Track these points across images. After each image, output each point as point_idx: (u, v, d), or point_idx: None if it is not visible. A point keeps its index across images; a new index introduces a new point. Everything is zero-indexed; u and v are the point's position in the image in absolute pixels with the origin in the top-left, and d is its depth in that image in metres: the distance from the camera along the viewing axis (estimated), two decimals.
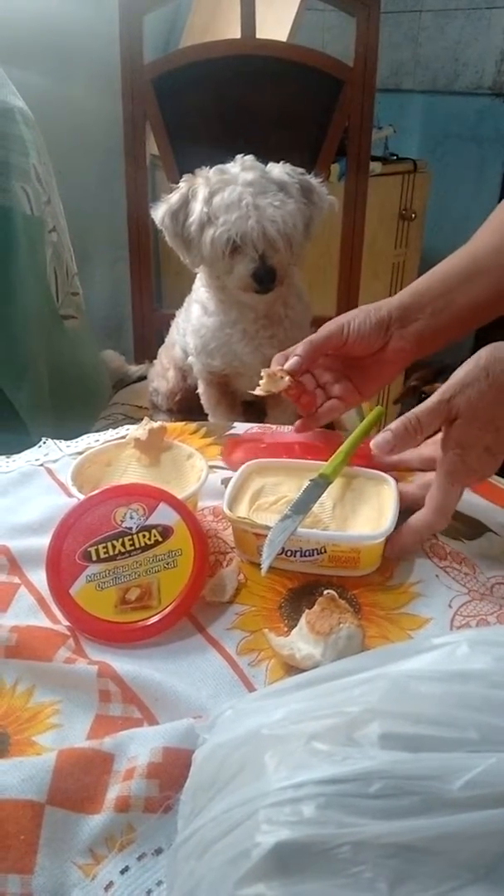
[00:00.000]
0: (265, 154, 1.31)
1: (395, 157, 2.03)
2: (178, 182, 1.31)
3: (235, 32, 1.26)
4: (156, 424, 0.71)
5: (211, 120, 1.30)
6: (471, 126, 2.29)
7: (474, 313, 0.78)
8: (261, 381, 0.75)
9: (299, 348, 0.76)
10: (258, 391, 0.76)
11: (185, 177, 1.00)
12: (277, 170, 0.99)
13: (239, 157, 0.98)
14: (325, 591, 0.55)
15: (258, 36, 1.25)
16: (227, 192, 0.95)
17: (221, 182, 0.96)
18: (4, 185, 1.06)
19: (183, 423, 0.88)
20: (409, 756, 0.32)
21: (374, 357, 0.78)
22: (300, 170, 1.01)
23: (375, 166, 1.86)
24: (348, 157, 1.33)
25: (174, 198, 0.99)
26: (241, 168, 0.97)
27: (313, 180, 1.01)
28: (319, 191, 1.01)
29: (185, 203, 0.98)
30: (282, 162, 1.00)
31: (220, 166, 0.98)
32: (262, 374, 0.76)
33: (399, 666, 0.38)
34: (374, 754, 0.32)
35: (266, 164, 1.00)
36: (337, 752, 0.33)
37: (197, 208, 0.96)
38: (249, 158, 0.98)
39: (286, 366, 0.75)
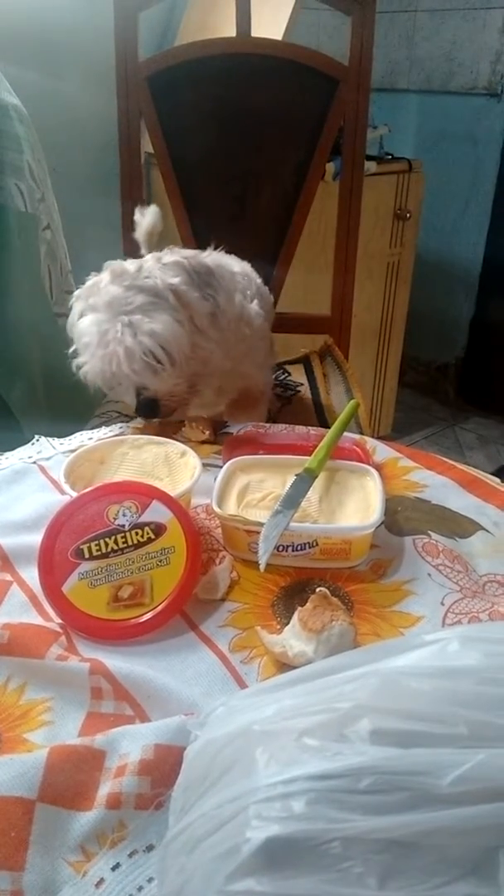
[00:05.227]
0: (260, 153, 1.32)
1: (390, 157, 2.03)
2: (177, 181, 1.31)
3: (231, 31, 1.26)
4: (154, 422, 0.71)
5: (206, 118, 1.30)
6: (466, 126, 2.30)
7: None
8: (183, 430, 0.85)
9: None
10: (180, 435, 0.84)
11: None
12: (160, 263, 0.79)
13: (106, 269, 0.79)
14: (318, 589, 0.55)
15: (253, 34, 1.25)
16: (77, 328, 0.80)
17: (87, 308, 0.79)
18: None
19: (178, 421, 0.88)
20: (400, 752, 0.32)
21: None
22: (190, 254, 0.83)
23: (370, 166, 1.86)
24: (343, 157, 1.32)
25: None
26: (111, 278, 0.77)
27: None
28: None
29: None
30: (169, 249, 0.84)
31: (93, 279, 0.80)
32: (186, 423, 0.85)
33: (390, 662, 0.38)
34: (365, 750, 0.33)
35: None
36: (327, 748, 0.33)
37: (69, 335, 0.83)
38: (119, 265, 0.79)
39: None
